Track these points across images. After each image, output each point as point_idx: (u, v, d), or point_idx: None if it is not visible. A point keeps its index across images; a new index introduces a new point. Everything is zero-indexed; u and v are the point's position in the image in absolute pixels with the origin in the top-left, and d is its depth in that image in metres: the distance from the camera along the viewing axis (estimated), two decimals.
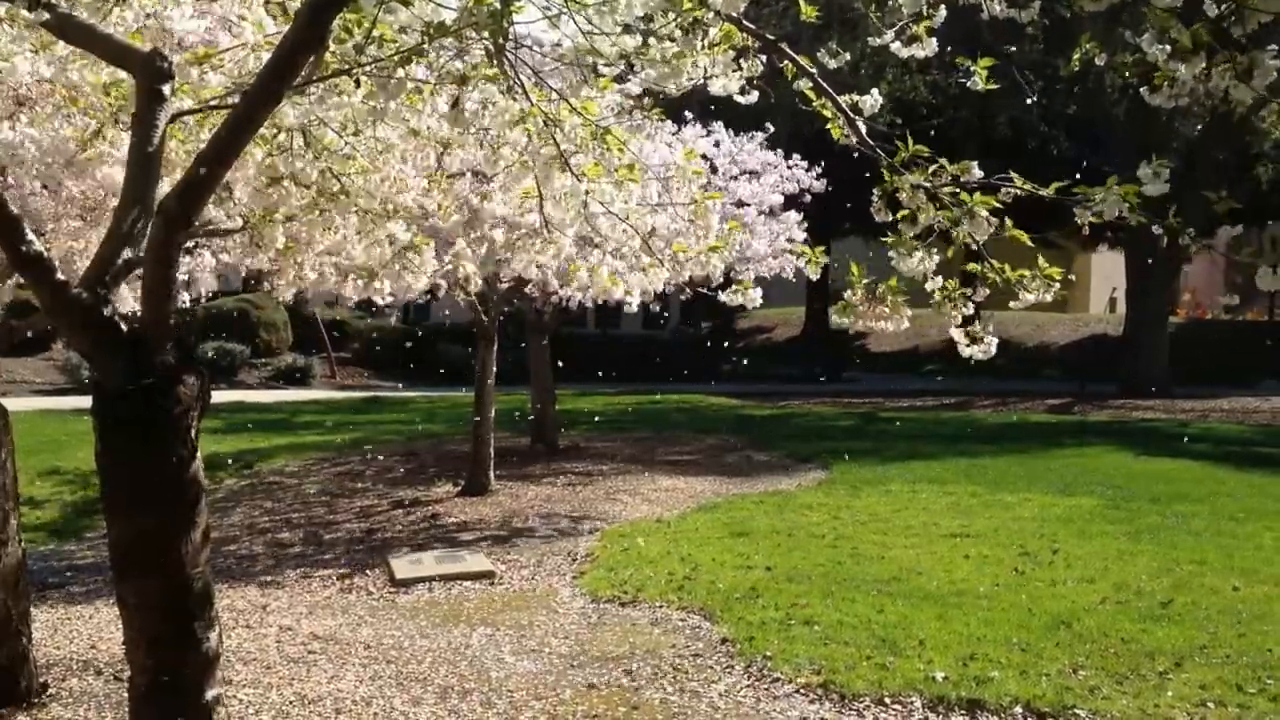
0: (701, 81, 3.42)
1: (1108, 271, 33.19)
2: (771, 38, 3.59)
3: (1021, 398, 21.73)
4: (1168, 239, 3.09)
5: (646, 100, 4.37)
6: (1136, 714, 4.70)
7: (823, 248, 4.05)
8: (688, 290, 9.45)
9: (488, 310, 10.41)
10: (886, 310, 3.41)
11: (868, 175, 3.49)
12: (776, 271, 10.69)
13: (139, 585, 3.11)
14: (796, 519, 8.92)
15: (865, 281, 3.42)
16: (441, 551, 7.93)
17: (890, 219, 3.33)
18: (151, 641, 3.14)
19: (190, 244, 5.57)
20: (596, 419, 16.24)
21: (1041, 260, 3.27)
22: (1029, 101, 21.96)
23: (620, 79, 3.73)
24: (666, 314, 26.56)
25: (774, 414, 18.21)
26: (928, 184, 3.20)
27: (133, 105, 3.16)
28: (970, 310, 3.42)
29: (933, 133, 21.80)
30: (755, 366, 26.29)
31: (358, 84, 3.31)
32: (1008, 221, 3.18)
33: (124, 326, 3.03)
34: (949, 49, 4.59)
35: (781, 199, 10.63)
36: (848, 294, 3.49)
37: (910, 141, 3.22)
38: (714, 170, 10.06)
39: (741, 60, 3.44)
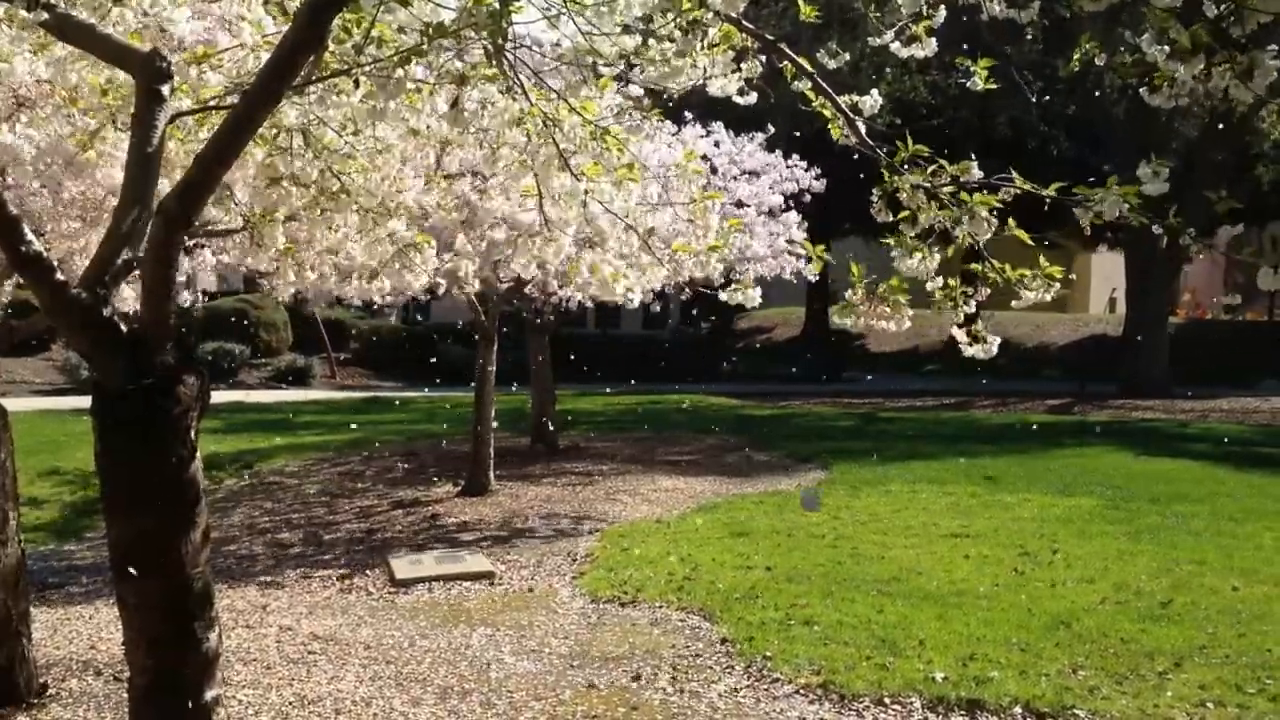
0: (701, 82, 3.42)
1: (1108, 271, 33.13)
2: (771, 38, 3.59)
3: (1021, 398, 21.71)
4: (1168, 239, 3.09)
5: (646, 100, 4.37)
6: (1136, 714, 4.70)
7: (823, 247, 4.04)
8: (688, 290, 9.45)
9: (488, 310, 10.41)
10: (888, 310, 3.41)
11: (867, 175, 3.49)
12: (776, 272, 10.70)
13: (139, 585, 3.10)
14: (796, 519, 8.92)
15: (866, 281, 3.42)
16: (441, 552, 7.93)
17: (890, 219, 3.33)
18: (151, 642, 3.14)
19: (190, 244, 5.57)
20: (597, 419, 16.23)
21: (1042, 260, 3.27)
22: (1030, 101, 21.96)
23: (620, 79, 3.73)
24: (670, 311, 26.52)
25: (774, 414, 18.20)
26: (928, 184, 3.20)
27: (132, 105, 3.16)
28: (972, 309, 3.42)
29: (945, 131, 21.84)
30: (755, 366, 26.28)
31: (357, 84, 3.31)
32: (1010, 221, 3.18)
33: (124, 326, 3.03)
34: (950, 49, 4.59)
35: (781, 199, 10.63)
36: (849, 293, 3.48)
37: (910, 141, 3.22)
38: (714, 171, 10.05)
39: (741, 61, 3.44)
